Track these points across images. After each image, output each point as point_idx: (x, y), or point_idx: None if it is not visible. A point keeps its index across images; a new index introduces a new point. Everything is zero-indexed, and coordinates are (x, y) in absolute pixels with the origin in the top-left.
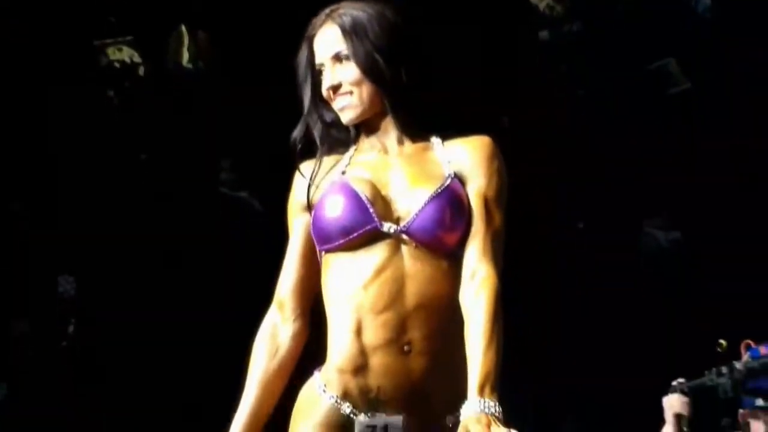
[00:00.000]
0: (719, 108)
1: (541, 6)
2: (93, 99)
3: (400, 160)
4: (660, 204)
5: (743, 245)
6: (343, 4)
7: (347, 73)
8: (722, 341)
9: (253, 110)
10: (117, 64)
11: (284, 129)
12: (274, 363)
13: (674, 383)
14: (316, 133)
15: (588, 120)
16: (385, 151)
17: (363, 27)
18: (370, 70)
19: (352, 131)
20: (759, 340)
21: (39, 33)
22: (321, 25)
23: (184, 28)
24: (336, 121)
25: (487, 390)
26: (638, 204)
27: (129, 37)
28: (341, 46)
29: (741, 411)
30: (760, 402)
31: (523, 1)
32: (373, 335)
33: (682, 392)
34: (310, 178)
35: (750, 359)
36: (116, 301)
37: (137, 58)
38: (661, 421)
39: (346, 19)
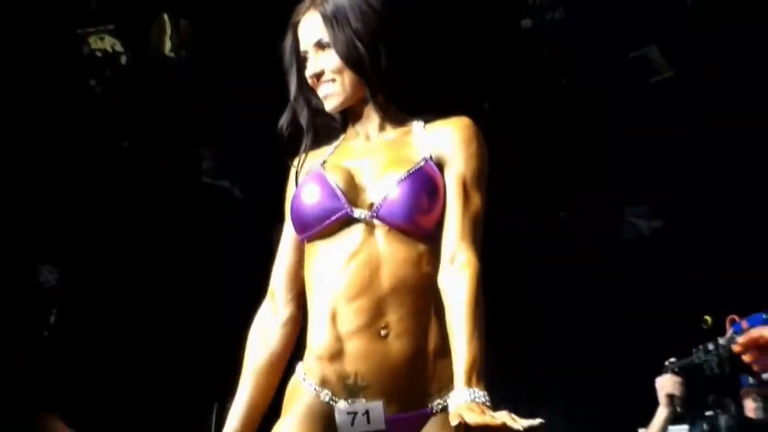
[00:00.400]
0: (702, 96)
1: None
2: (75, 87)
3: (379, 146)
4: (643, 193)
5: (724, 231)
6: None
7: (329, 61)
8: (707, 317)
9: (237, 99)
10: (99, 53)
11: (270, 118)
12: (267, 353)
13: (666, 363)
14: (303, 120)
15: (572, 108)
16: (367, 137)
17: (344, 14)
18: (350, 59)
19: (339, 118)
20: (743, 315)
21: (21, 21)
22: (305, 12)
23: (166, 16)
24: (323, 108)
25: (474, 379)
26: (621, 193)
27: (111, 26)
28: (323, 33)
29: (741, 391)
30: (750, 380)
31: None
32: (349, 321)
33: (674, 372)
34: (297, 168)
35: (733, 334)
36: (100, 293)
37: (119, 47)
38: (656, 403)
39: (328, 7)
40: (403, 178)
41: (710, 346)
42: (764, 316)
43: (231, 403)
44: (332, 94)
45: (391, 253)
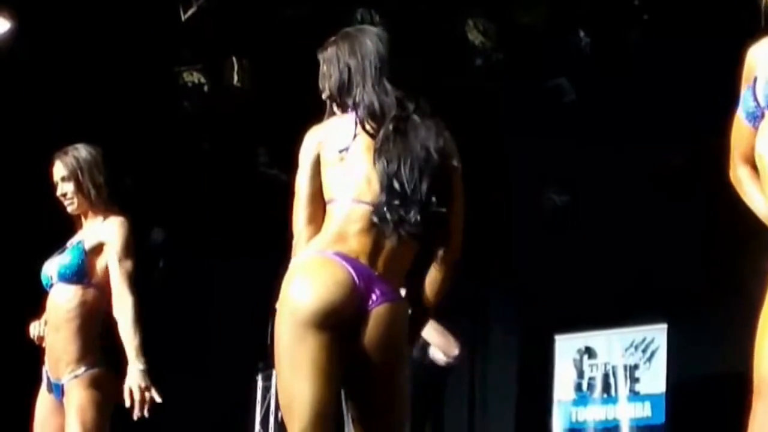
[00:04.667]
0: (596, 112)
1: (477, 42)
2: (173, 106)
3: None
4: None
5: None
6: None
7: None
8: None
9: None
10: (189, 84)
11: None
12: None
13: None
14: None
15: (506, 119)
16: None
17: None
18: None
19: None
20: None
21: (138, 61)
22: None
23: (234, 58)
24: None
25: None
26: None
27: (198, 65)
28: None
29: None
30: None
31: (464, 38)
32: None
33: None
34: None
35: None
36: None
37: (203, 80)
38: None
39: None
40: None
41: None
42: None
43: None
44: None
45: None
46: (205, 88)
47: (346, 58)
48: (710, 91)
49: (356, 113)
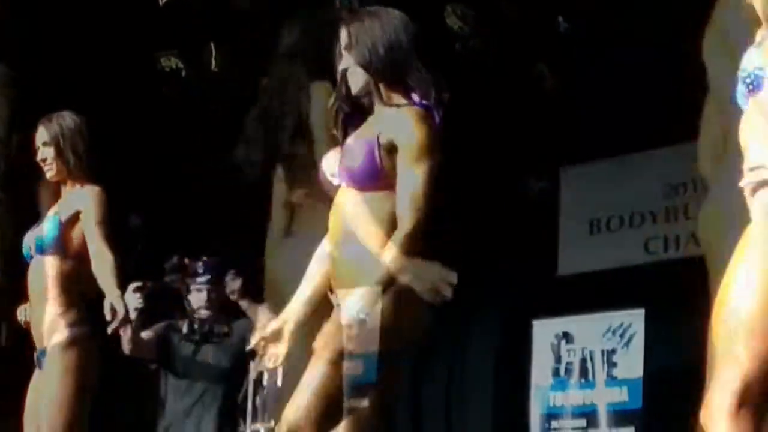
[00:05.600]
0: (576, 98)
1: (455, 27)
2: (150, 91)
3: (365, 126)
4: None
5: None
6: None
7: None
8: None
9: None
10: (167, 69)
11: None
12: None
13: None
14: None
15: (486, 105)
16: (373, 118)
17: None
18: (361, 63)
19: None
20: None
21: (117, 45)
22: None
23: (212, 44)
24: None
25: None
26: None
27: (175, 51)
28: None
29: None
30: None
31: (443, 23)
32: None
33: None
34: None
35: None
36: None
37: (180, 65)
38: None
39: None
40: (350, 149)
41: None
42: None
43: None
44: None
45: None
46: (183, 72)
47: (379, 34)
48: (694, 79)
49: (428, 100)
